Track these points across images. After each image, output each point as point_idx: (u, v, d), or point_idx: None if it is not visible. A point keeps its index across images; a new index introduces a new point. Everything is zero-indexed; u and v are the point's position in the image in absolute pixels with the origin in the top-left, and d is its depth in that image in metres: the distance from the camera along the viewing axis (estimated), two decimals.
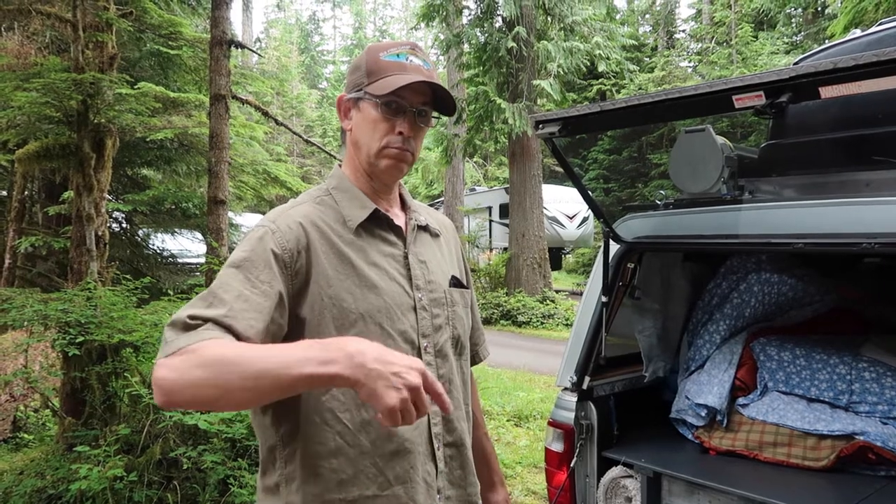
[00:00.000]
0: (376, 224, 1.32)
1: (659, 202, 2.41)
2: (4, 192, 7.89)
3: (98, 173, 4.48)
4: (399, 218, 1.38)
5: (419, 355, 1.30)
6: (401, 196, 1.43)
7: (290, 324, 1.20)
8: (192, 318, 1.07)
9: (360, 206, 1.32)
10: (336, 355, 0.99)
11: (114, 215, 7.06)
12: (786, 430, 2.34)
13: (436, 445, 1.31)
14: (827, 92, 1.47)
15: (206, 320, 1.07)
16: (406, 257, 1.34)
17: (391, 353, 1.01)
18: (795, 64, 2.49)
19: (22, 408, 5.23)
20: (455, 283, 1.42)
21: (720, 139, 2.28)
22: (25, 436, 4.88)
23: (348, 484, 1.20)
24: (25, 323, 4.16)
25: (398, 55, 1.29)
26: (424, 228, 1.41)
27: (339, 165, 1.40)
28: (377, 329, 1.24)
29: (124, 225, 7.70)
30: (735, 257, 2.77)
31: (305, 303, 1.21)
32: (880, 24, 2.64)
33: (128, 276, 4.46)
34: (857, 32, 2.74)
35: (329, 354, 0.99)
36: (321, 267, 1.22)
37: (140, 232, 7.87)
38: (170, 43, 6.17)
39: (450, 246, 1.49)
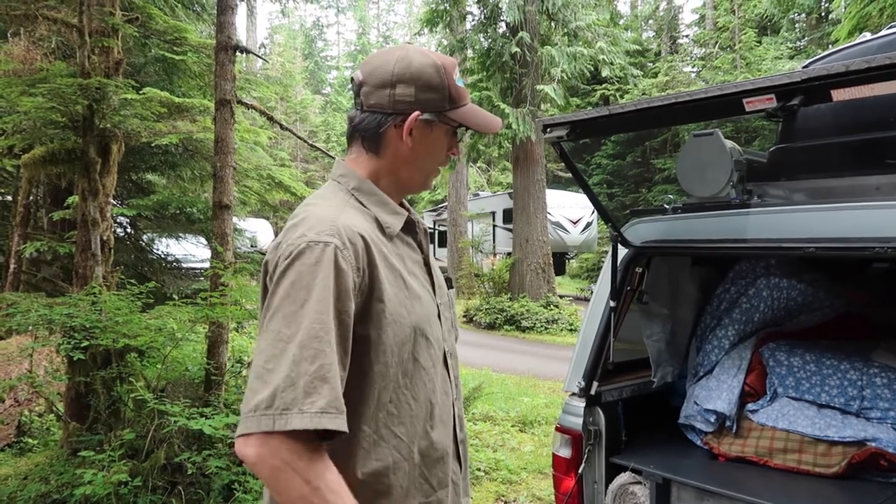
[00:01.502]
0: (405, 231, 1.31)
1: (667, 206, 2.40)
2: (10, 197, 7.91)
3: (103, 178, 4.48)
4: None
5: (445, 360, 1.32)
6: None
7: (355, 342, 1.14)
8: (313, 378, 1.03)
9: (391, 211, 1.29)
10: None
11: (118, 220, 7.06)
12: (796, 436, 2.32)
13: (458, 444, 1.35)
14: (839, 95, 1.46)
15: (320, 380, 1.04)
16: (427, 263, 1.35)
17: None
18: (805, 67, 2.48)
19: (26, 412, 5.22)
20: (450, 284, 1.45)
21: (729, 143, 2.27)
22: (30, 440, 4.87)
23: (403, 497, 1.20)
24: (30, 327, 4.16)
25: (461, 79, 1.31)
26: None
27: (344, 161, 1.34)
28: (423, 340, 1.24)
29: (129, 230, 7.70)
30: (744, 262, 2.75)
31: (369, 321, 1.15)
32: (891, 27, 2.62)
33: (132, 281, 4.45)
34: (868, 35, 2.73)
35: None
36: (382, 284, 1.17)
37: (145, 237, 7.87)
38: (175, 48, 6.18)
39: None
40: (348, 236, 1.13)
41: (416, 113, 1.25)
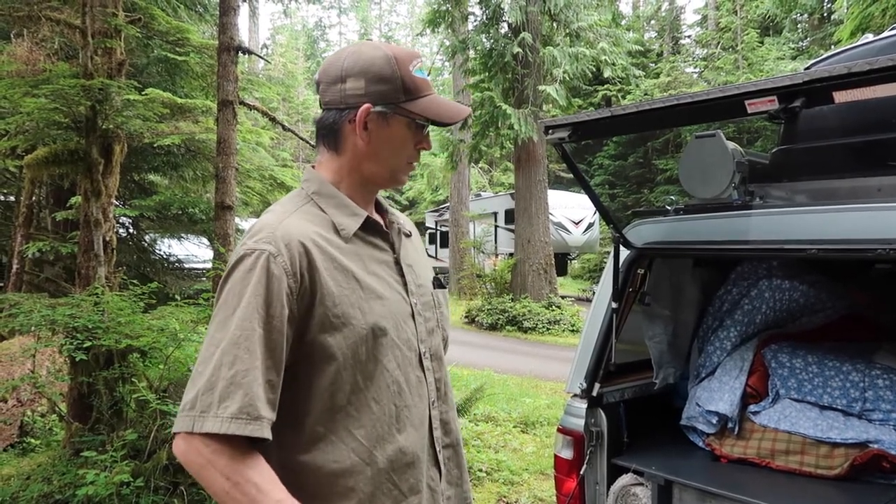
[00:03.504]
0: (367, 231, 1.28)
1: (669, 207, 2.40)
2: (13, 198, 7.93)
3: (106, 179, 4.49)
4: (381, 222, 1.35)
5: (420, 362, 1.29)
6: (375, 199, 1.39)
7: (295, 348, 1.15)
8: (229, 383, 1.06)
9: (350, 213, 1.26)
10: None
11: (121, 220, 7.08)
12: (798, 437, 2.32)
13: (437, 449, 1.31)
14: (841, 97, 1.46)
15: (235, 383, 1.07)
16: (398, 263, 1.32)
17: None
18: (807, 69, 2.48)
19: (29, 413, 5.23)
20: (438, 284, 1.42)
21: (731, 144, 2.27)
22: (32, 441, 4.87)
23: (367, 502, 1.18)
24: (33, 328, 4.17)
25: (420, 70, 1.28)
26: (403, 231, 1.39)
27: (313, 167, 1.33)
28: (387, 340, 1.21)
29: (131, 230, 7.72)
30: (746, 263, 2.75)
31: (313, 325, 1.15)
32: (893, 29, 2.62)
33: (135, 281, 4.46)
34: (870, 37, 2.73)
35: None
36: (326, 287, 1.16)
37: (147, 237, 7.89)
38: (177, 49, 6.19)
39: (420, 245, 1.48)
40: (284, 242, 1.14)
41: (367, 105, 1.23)
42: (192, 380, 1.10)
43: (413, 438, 1.24)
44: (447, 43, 15.12)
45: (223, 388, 1.06)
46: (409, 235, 1.41)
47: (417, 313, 1.30)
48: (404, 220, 1.43)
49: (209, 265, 5.60)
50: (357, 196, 1.29)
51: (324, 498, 1.16)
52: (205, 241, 7.70)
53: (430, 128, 1.33)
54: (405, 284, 1.30)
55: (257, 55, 6.87)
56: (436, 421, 1.31)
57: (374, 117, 1.24)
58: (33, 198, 7.00)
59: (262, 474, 1.07)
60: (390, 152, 1.27)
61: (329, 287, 1.16)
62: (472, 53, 14.26)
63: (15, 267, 6.71)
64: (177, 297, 4.92)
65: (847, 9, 11.60)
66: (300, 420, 1.16)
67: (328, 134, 1.28)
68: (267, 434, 1.08)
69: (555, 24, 13.35)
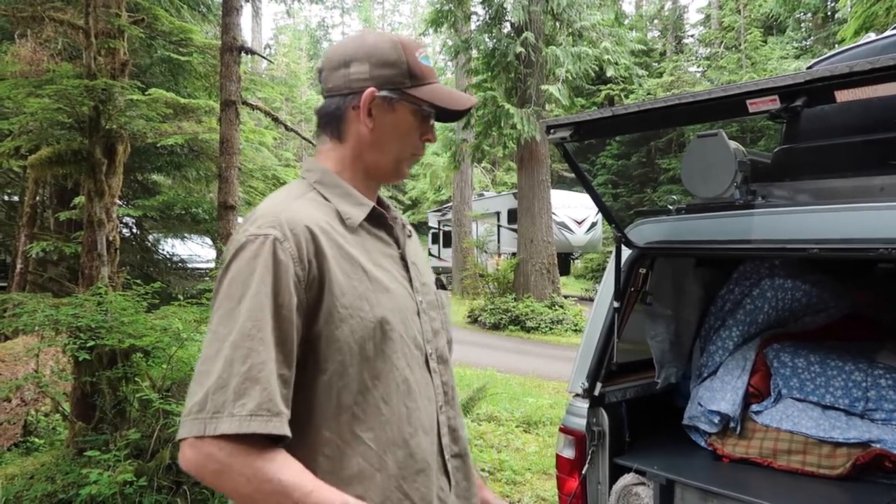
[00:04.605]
0: (372, 223, 1.22)
1: (671, 207, 2.39)
2: (17, 198, 7.96)
3: (109, 179, 4.50)
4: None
5: (426, 361, 1.22)
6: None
7: (302, 342, 1.07)
8: (244, 378, 0.98)
9: (356, 202, 1.20)
10: None
11: (124, 220, 7.10)
12: (800, 437, 2.32)
13: (446, 458, 1.23)
14: (843, 96, 1.46)
15: (250, 379, 0.99)
16: (403, 258, 1.25)
17: None
18: (809, 68, 2.47)
19: (33, 412, 5.24)
20: (440, 285, 1.36)
21: (733, 144, 2.27)
22: (36, 440, 4.89)
23: None
24: (37, 327, 4.18)
25: (425, 58, 1.24)
26: (406, 228, 1.34)
27: (313, 157, 1.27)
28: (395, 335, 1.14)
29: (134, 230, 7.74)
30: (748, 263, 2.74)
31: (320, 316, 1.08)
32: None
33: (138, 281, 4.47)
34: (873, 36, 2.72)
35: None
36: (333, 275, 1.08)
37: (150, 237, 7.91)
38: (180, 49, 6.21)
39: (420, 246, 1.41)
40: (290, 227, 1.07)
41: (372, 89, 1.17)
42: (195, 381, 1.00)
43: (423, 443, 1.16)
44: (450, 43, 15.13)
45: (238, 385, 0.97)
46: (409, 235, 1.35)
47: (423, 311, 1.23)
48: (405, 220, 1.39)
49: (212, 265, 5.62)
50: (360, 188, 1.23)
51: None
52: (208, 240, 7.73)
53: (436, 126, 1.29)
54: (410, 281, 1.24)
55: (260, 55, 6.87)
56: (444, 427, 1.23)
57: (378, 102, 1.19)
58: (37, 198, 7.03)
59: (288, 468, 0.99)
60: (395, 140, 1.22)
61: (337, 276, 1.09)
62: (474, 53, 14.26)
63: (19, 267, 6.74)
64: (180, 296, 4.93)
65: (850, 8, 11.56)
66: (305, 423, 1.08)
67: (330, 121, 1.22)
68: (288, 431, 1.00)
69: (557, 24, 13.34)
